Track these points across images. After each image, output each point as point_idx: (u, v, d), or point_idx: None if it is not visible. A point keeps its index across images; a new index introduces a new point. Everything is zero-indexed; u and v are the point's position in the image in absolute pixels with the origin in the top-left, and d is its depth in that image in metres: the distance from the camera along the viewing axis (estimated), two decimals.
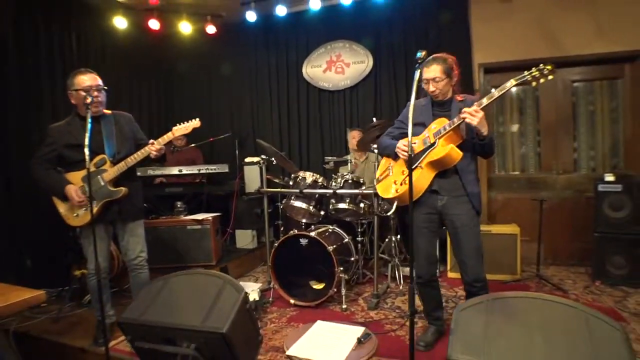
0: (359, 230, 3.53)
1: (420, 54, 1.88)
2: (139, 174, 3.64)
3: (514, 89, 4.13)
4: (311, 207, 3.35)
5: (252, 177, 4.28)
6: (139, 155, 2.51)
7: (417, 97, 1.87)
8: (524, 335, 1.41)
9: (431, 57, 2.22)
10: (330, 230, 3.47)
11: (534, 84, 2.00)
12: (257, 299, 3.09)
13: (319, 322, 1.95)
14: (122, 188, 2.47)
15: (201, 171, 4.07)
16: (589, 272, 3.61)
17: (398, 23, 4.26)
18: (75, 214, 2.44)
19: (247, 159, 4.40)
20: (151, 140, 2.54)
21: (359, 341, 1.69)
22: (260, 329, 2.79)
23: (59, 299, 3.27)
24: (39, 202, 3.08)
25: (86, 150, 2.09)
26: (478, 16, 4.05)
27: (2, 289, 2.21)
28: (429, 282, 2.39)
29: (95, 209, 2.40)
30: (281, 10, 4.14)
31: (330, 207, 3.34)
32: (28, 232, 3.52)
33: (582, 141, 4.01)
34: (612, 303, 3.02)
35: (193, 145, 4.49)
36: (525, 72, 1.98)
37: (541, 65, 1.95)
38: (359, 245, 3.51)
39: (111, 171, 2.45)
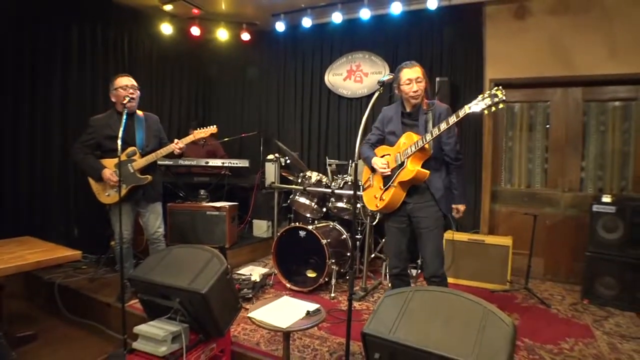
0: (359, 228, 3.91)
1: (385, 78, 2.24)
2: (171, 163, 4.28)
3: (525, 105, 4.34)
4: (313, 204, 3.78)
5: (271, 172, 4.76)
6: (165, 150, 3.08)
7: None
8: (428, 320, 1.72)
9: (408, 62, 2.52)
10: (331, 226, 3.87)
11: (486, 112, 2.17)
12: (258, 280, 3.58)
13: (285, 297, 2.37)
14: (147, 176, 3.05)
15: (225, 164, 4.62)
16: None
17: (414, 36, 4.57)
18: (107, 194, 3.04)
19: (269, 156, 4.89)
20: (176, 140, 3.09)
21: (308, 313, 2.09)
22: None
23: (96, 263, 3.95)
24: (87, 184, 3.72)
25: (119, 142, 2.63)
26: (492, 33, 4.26)
27: (50, 247, 2.88)
28: (398, 275, 2.73)
29: (124, 191, 3.00)
30: (307, 22, 4.59)
31: (330, 205, 3.76)
32: (78, 208, 4.27)
33: (591, 160, 4.10)
34: (590, 321, 3.16)
35: (218, 141, 5.09)
36: (479, 96, 2.17)
37: (495, 91, 2.14)
38: (357, 242, 3.89)
39: (140, 161, 3.03)
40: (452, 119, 2.26)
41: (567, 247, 4.10)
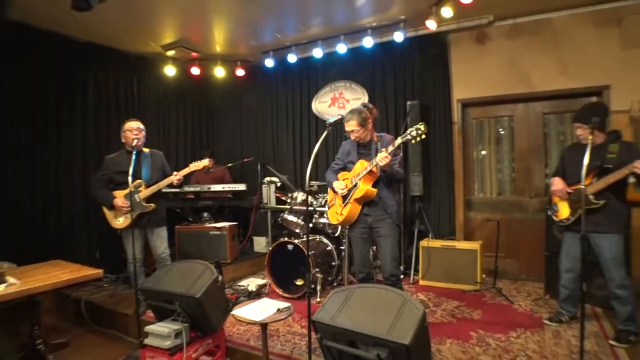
0: (344, 240, 4.52)
1: (333, 120, 2.89)
2: (178, 190, 4.99)
3: (491, 121, 4.92)
4: (300, 221, 4.42)
5: (267, 194, 5.45)
6: (165, 182, 3.77)
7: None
8: (362, 309, 2.30)
9: (350, 111, 3.17)
10: (317, 239, 4.49)
11: (413, 141, 2.81)
12: (254, 289, 4.25)
13: (264, 298, 3.00)
14: (151, 204, 3.75)
15: (225, 189, 5.33)
16: None
17: (388, 64, 5.23)
18: (118, 220, 3.75)
19: (266, 179, 5.58)
20: (175, 172, 3.79)
21: (278, 310, 2.72)
22: None
23: (115, 281, 4.66)
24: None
25: (130, 179, 3.34)
26: (457, 57, 4.88)
27: (77, 267, 3.58)
28: (364, 279, 3.34)
29: (133, 217, 3.71)
30: (292, 58, 5.31)
31: (315, 220, 4.39)
32: (99, 235, 5.03)
33: (553, 167, 4.60)
34: (546, 313, 3.66)
35: (225, 166, 5.83)
36: (408, 130, 2.80)
37: (419, 125, 2.76)
38: (342, 253, 4.49)
39: (145, 192, 3.73)
40: (390, 148, 2.89)
41: (537, 248, 4.56)
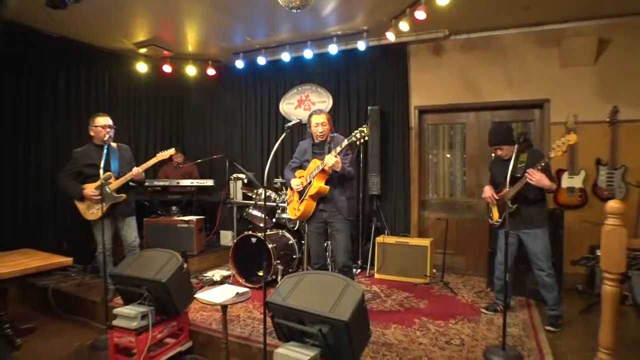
0: (305, 234, 4.88)
1: (291, 123, 3.25)
2: (146, 183, 5.23)
3: (445, 127, 5.39)
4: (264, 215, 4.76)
5: (234, 190, 5.76)
6: (130, 175, 3.98)
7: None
8: (310, 292, 2.66)
9: (316, 110, 3.57)
10: (280, 233, 4.84)
11: (357, 143, 3.19)
12: (218, 280, 4.56)
13: (225, 284, 3.34)
14: (122, 195, 4.00)
15: (193, 184, 5.61)
16: None
17: (351, 70, 5.64)
18: (91, 212, 3.99)
19: (233, 175, 5.89)
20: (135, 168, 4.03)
21: (237, 294, 3.06)
22: None
23: (83, 271, 4.88)
24: (74, 205, 4.64)
25: (101, 172, 3.61)
26: (415, 67, 5.33)
27: (46, 255, 3.81)
28: (320, 269, 3.71)
29: (105, 208, 3.96)
30: (261, 60, 5.64)
31: (277, 216, 4.75)
32: (66, 226, 5.22)
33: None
34: (485, 304, 4.13)
35: (194, 163, 6.11)
36: (353, 132, 3.16)
37: (362, 128, 3.14)
38: (303, 246, 4.86)
39: (115, 183, 3.97)
40: (338, 149, 3.27)
41: (483, 246, 5.05)
